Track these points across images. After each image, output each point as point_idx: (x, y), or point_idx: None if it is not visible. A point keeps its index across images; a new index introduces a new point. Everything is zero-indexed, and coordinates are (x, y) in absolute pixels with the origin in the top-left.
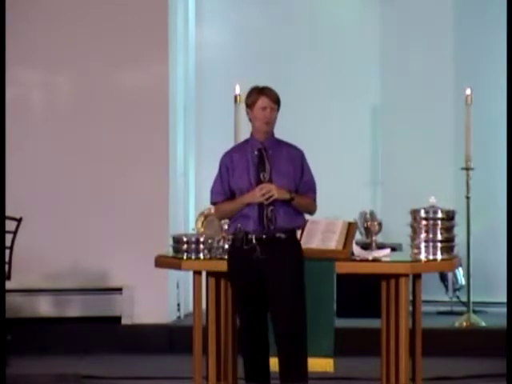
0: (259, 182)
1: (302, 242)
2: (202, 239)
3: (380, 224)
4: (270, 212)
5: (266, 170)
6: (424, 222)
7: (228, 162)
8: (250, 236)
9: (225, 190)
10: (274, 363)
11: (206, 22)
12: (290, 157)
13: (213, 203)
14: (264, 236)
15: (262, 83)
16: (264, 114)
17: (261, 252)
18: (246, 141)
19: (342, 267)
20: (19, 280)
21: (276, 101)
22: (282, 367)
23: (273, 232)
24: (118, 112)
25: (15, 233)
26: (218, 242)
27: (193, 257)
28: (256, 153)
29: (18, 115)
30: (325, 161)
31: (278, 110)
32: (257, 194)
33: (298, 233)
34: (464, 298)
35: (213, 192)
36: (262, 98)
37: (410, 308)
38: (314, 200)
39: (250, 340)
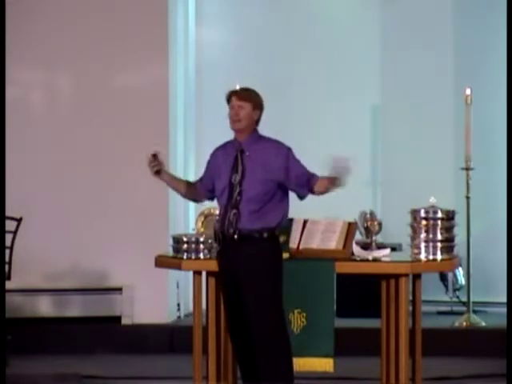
0: (230, 184)
1: (301, 242)
2: (201, 239)
3: (380, 224)
4: (233, 215)
5: (238, 172)
6: (424, 222)
7: (212, 160)
8: (220, 236)
9: (204, 181)
10: None
11: (206, 22)
12: (271, 152)
13: None
14: (236, 235)
15: (261, 83)
16: (232, 113)
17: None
18: (231, 141)
19: (342, 267)
20: (19, 280)
21: (245, 98)
22: (260, 368)
23: (243, 231)
24: (118, 112)
25: (15, 233)
26: None
27: (193, 257)
28: (234, 154)
29: (18, 115)
30: (324, 161)
31: (257, 108)
32: None
33: (297, 233)
34: (464, 298)
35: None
36: (231, 99)
37: (410, 308)
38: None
39: (236, 340)
